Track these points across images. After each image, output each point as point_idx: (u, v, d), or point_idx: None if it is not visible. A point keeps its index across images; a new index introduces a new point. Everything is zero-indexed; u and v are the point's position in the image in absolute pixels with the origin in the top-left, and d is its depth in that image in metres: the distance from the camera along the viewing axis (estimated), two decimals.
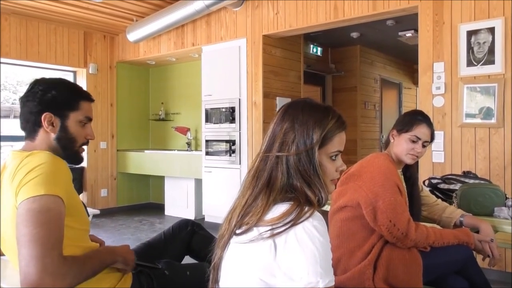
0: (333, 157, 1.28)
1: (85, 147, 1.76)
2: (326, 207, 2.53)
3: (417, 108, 4.26)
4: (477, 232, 2.30)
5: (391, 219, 2.01)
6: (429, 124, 2.33)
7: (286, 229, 1.13)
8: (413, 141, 2.28)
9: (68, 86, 1.72)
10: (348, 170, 2.29)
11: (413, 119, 2.33)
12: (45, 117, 1.61)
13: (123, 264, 1.70)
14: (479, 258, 2.31)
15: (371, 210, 2.04)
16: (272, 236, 1.14)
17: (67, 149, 1.67)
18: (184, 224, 2.38)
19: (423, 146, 2.31)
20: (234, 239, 1.24)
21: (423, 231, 2.08)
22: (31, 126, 1.63)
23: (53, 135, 1.63)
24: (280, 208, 1.18)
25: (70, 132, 1.66)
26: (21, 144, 1.70)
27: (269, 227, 1.15)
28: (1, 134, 5.80)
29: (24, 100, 1.64)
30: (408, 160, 2.32)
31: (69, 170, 1.57)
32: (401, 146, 2.31)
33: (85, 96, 1.73)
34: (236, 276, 1.23)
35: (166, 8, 5.88)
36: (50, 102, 1.62)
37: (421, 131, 2.29)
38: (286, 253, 1.12)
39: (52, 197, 1.41)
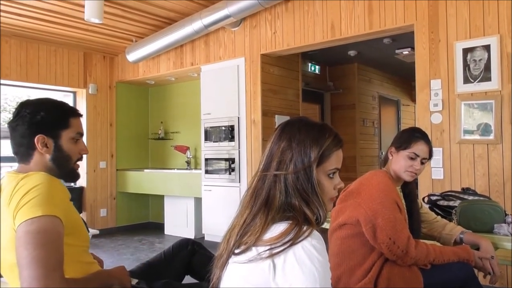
0: (331, 175, 1.29)
1: (83, 165, 1.76)
2: (325, 225, 2.53)
3: (416, 125, 4.27)
4: (477, 249, 2.29)
5: (390, 236, 2.00)
6: (427, 141, 2.34)
7: (285, 248, 1.12)
8: (412, 158, 2.29)
9: (55, 104, 1.70)
10: (347, 188, 2.30)
11: (411, 136, 2.35)
12: (38, 139, 1.60)
13: (120, 286, 1.70)
14: (480, 275, 2.30)
15: (371, 228, 2.04)
16: (271, 256, 1.13)
17: (63, 168, 1.66)
18: (184, 244, 2.37)
19: (422, 163, 2.32)
20: (233, 259, 1.24)
21: (423, 248, 2.08)
22: (24, 150, 1.62)
23: (48, 156, 1.63)
24: (278, 228, 1.18)
25: (64, 151, 1.65)
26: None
27: (268, 247, 1.15)
28: (2, 155, 5.81)
29: (14, 125, 1.62)
30: (407, 177, 2.32)
31: (65, 189, 1.57)
32: (400, 163, 2.32)
33: (74, 113, 1.72)
34: None
35: (165, 29, 5.95)
36: (41, 123, 1.61)
37: (419, 148, 2.30)
38: (285, 273, 1.11)
39: (50, 217, 1.41)
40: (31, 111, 1.62)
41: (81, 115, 1.76)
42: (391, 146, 2.39)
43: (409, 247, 2.02)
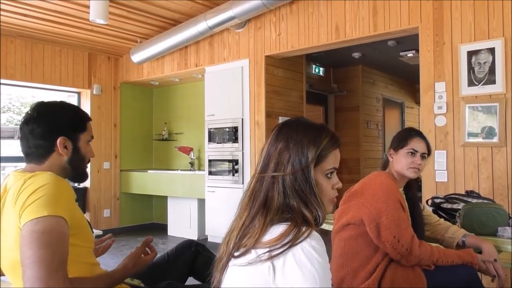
0: (329, 175, 1.29)
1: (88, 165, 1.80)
2: (326, 226, 2.53)
3: (420, 127, 4.28)
4: (480, 252, 2.29)
5: (395, 235, 2.01)
6: (423, 137, 2.41)
7: (284, 250, 1.12)
8: (412, 154, 2.34)
9: (74, 108, 1.77)
10: (351, 189, 2.31)
11: (406, 134, 2.41)
12: (60, 141, 1.63)
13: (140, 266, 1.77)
14: (485, 279, 2.30)
15: (375, 227, 2.05)
16: (270, 258, 1.13)
17: (78, 169, 1.71)
18: (187, 245, 2.38)
19: (422, 158, 2.36)
20: (233, 261, 1.23)
21: (427, 248, 2.08)
22: (42, 151, 1.62)
23: (65, 158, 1.65)
24: (277, 229, 1.17)
25: (81, 153, 1.70)
26: (24, 165, 1.69)
27: (267, 249, 1.14)
28: (6, 155, 5.84)
29: (34, 126, 1.61)
30: (411, 174, 2.35)
31: (72, 190, 1.58)
32: (401, 162, 2.35)
33: (88, 117, 1.79)
34: None
35: (170, 30, 5.96)
36: (64, 126, 1.66)
37: (417, 143, 2.35)
38: (285, 275, 1.11)
39: (55, 218, 1.42)
40: (54, 114, 1.66)
41: (90, 119, 1.82)
42: (390, 148, 2.45)
43: (413, 245, 2.03)
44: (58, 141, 1.62)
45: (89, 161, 1.78)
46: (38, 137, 1.62)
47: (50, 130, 1.63)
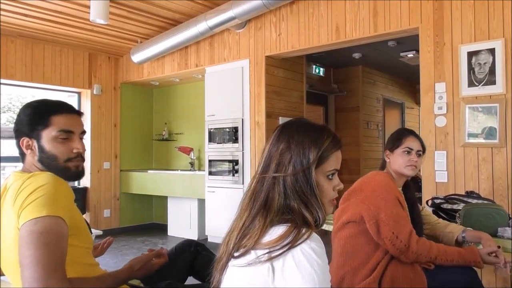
0: (330, 176, 1.28)
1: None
2: (325, 226, 2.54)
3: (420, 128, 4.29)
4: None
5: (393, 231, 2.04)
6: (416, 135, 2.46)
7: (284, 252, 1.12)
8: (407, 152, 2.37)
9: (36, 105, 1.65)
10: (350, 188, 2.33)
11: (400, 134, 2.46)
12: (22, 142, 1.61)
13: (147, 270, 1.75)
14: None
15: (374, 223, 2.07)
16: (270, 259, 1.13)
17: (51, 168, 1.61)
18: (187, 245, 2.38)
19: (418, 156, 2.40)
20: (232, 262, 1.23)
21: (425, 244, 2.10)
22: (19, 152, 1.65)
23: (36, 158, 1.62)
24: (277, 231, 1.17)
25: (47, 151, 1.60)
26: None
27: (267, 250, 1.14)
28: (6, 155, 5.84)
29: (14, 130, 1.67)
30: (409, 172, 2.38)
31: (71, 190, 1.57)
32: (398, 161, 2.38)
33: (57, 110, 1.63)
34: None
35: (170, 30, 5.96)
36: (21, 126, 1.62)
37: (411, 142, 2.40)
38: (284, 277, 1.11)
39: (54, 218, 1.41)
40: (18, 115, 1.65)
41: (72, 111, 1.67)
42: (385, 150, 2.48)
43: (411, 241, 2.05)
44: (20, 142, 1.62)
45: (74, 157, 1.63)
46: (16, 140, 1.65)
47: (15, 132, 1.64)
